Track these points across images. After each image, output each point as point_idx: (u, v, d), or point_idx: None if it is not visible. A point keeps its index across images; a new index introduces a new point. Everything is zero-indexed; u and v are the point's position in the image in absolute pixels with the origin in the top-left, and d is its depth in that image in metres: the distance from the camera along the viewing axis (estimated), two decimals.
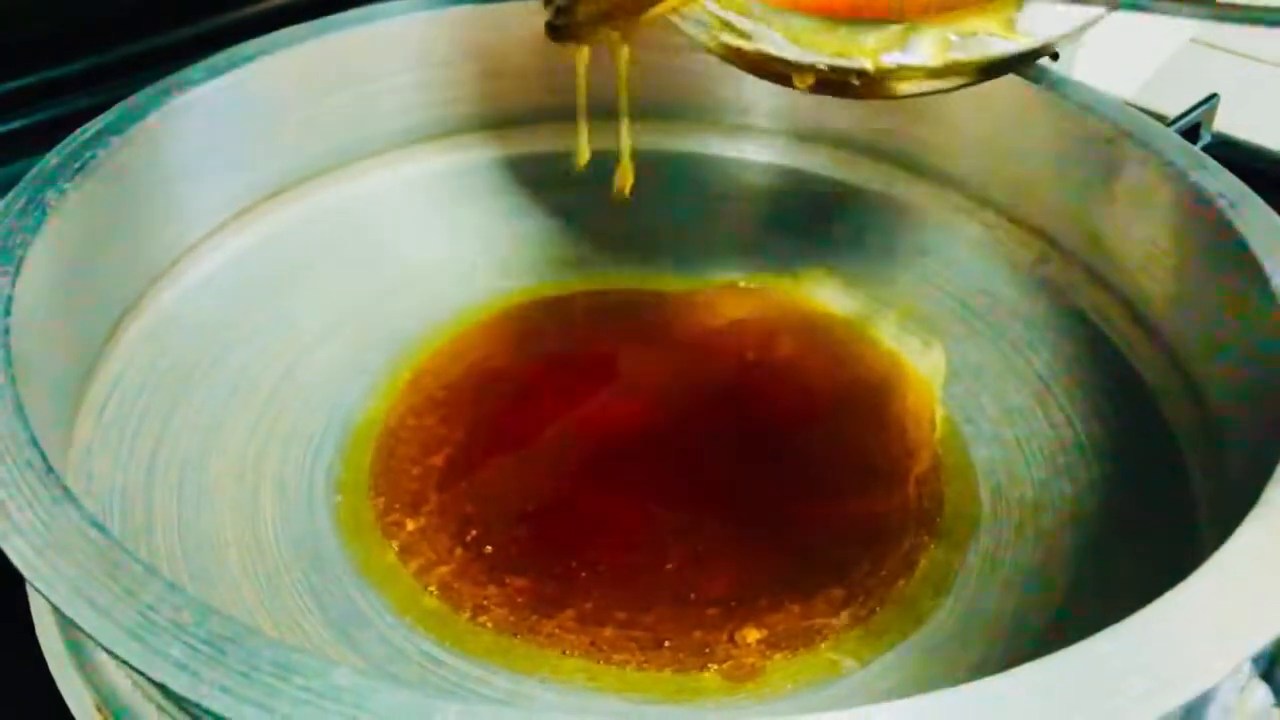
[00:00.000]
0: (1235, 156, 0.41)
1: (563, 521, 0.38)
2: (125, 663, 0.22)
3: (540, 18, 0.46)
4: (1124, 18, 0.62)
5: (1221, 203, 0.36)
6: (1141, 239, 0.40)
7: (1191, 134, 0.54)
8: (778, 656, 0.34)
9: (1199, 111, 0.57)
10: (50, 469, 0.26)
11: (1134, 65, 0.76)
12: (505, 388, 0.43)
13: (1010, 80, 0.43)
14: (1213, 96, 0.59)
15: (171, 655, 0.22)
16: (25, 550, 0.24)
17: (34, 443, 0.27)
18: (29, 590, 0.31)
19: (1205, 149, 0.44)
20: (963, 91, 0.45)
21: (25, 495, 0.26)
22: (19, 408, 0.28)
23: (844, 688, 0.34)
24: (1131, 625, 0.24)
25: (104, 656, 0.29)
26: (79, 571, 0.24)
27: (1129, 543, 0.36)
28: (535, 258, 0.47)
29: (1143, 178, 0.39)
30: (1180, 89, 0.62)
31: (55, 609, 0.24)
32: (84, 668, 0.29)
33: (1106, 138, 0.41)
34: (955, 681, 0.31)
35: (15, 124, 0.53)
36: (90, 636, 0.23)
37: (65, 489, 0.26)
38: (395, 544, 0.37)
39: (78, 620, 0.23)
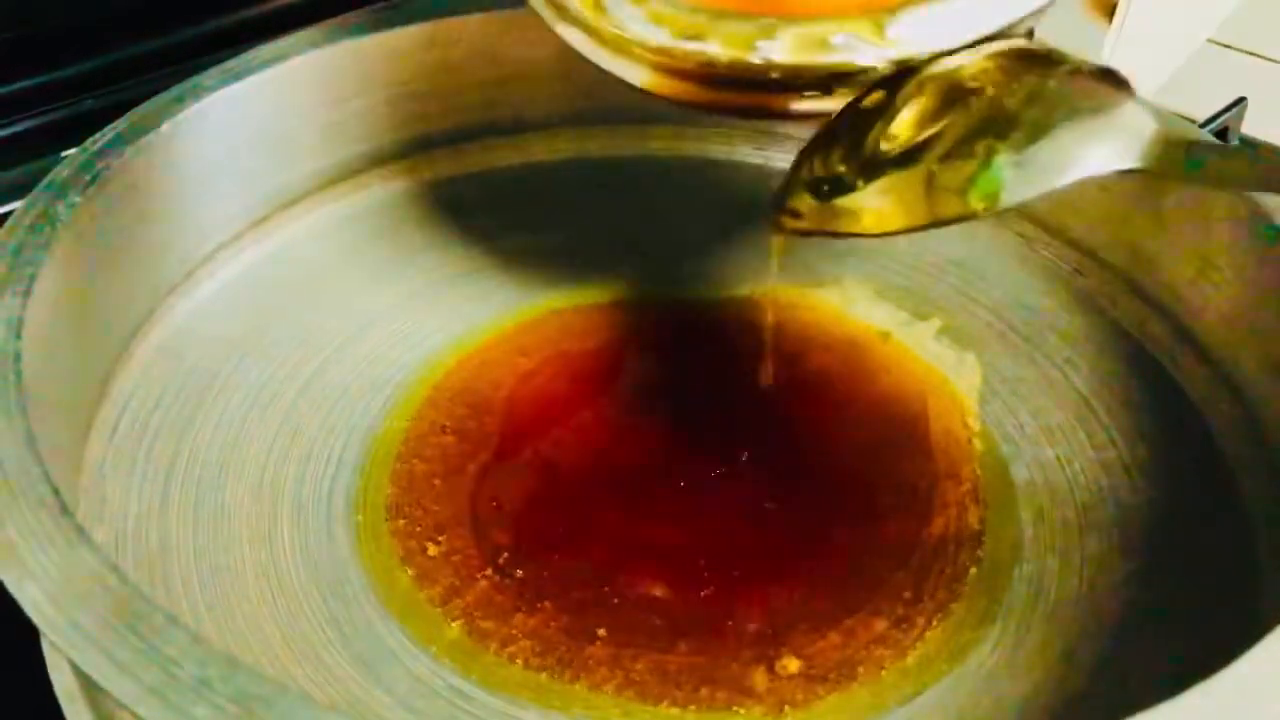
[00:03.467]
0: None
1: (592, 546, 0.37)
2: None
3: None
4: (1140, 18, 0.61)
5: None
6: (1189, 252, 0.39)
7: (1220, 138, 0.53)
8: (819, 690, 0.33)
9: (1227, 116, 0.56)
10: (65, 509, 0.25)
11: (1152, 67, 0.75)
12: (527, 404, 0.42)
13: None
14: (1241, 100, 0.58)
15: (197, 717, 0.21)
16: (40, 599, 0.23)
17: (47, 478, 0.26)
18: (42, 639, 0.29)
19: None
20: None
21: (39, 537, 0.24)
22: (31, 440, 0.27)
23: None
24: None
25: None
26: (97, 623, 0.22)
27: (1182, 568, 0.35)
28: (557, 269, 0.46)
29: (1192, 189, 0.38)
30: (1200, 91, 0.60)
31: (72, 663, 0.23)
32: (99, 712, 0.28)
33: None
34: (1005, 717, 0.30)
35: (23, 125, 0.52)
36: (110, 695, 0.21)
37: (81, 530, 0.25)
38: (417, 570, 0.36)
39: (96, 678, 0.21)
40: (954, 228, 0.45)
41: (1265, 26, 0.76)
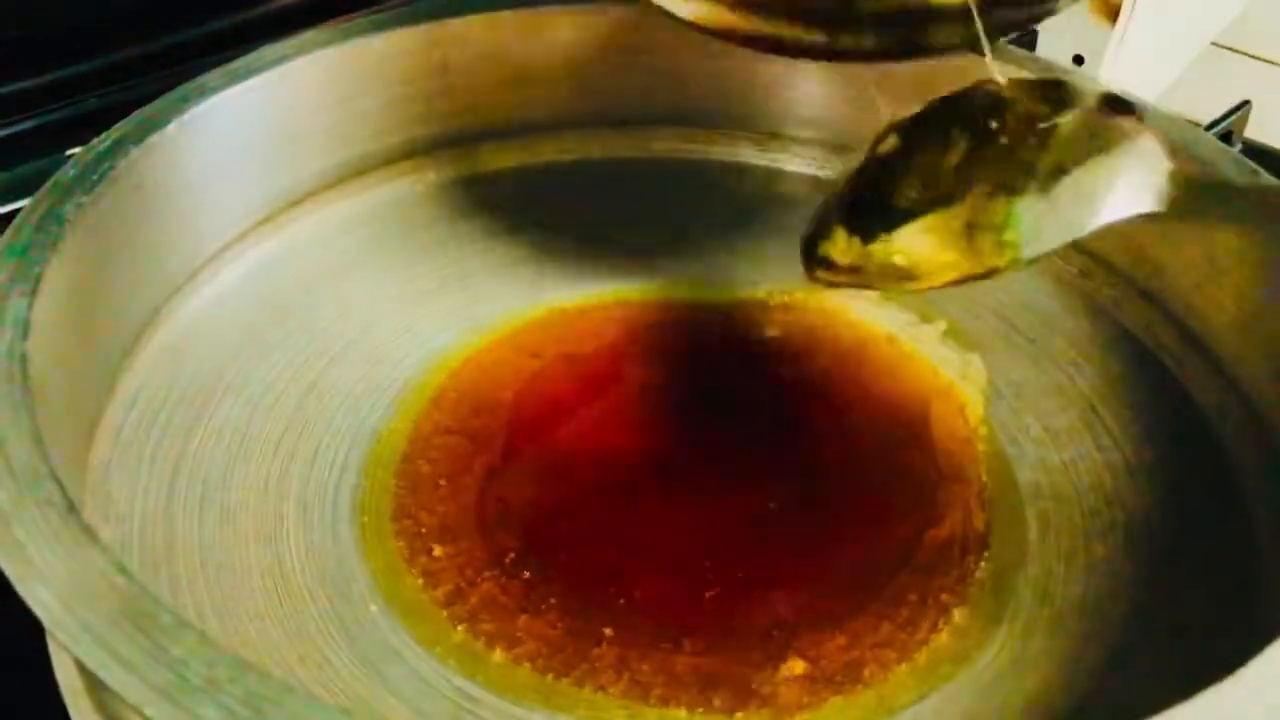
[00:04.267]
0: (1266, 164, 0.39)
1: (597, 547, 0.37)
2: None
3: (565, 26, 0.45)
4: (1143, 21, 0.61)
5: None
6: (1196, 256, 0.39)
7: (1224, 141, 0.53)
8: (824, 692, 0.33)
9: (1231, 119, 0.56)
10: (72, 507, 0.25)
11: (1156, 71, 0.75)
12: (533, 404, 0.42)
13: None
14: (1245, 103, 0.58)
15: (205, 717, 0.21)
16: (47, 598, 0.23)
17: (53, 477, 0.26)
18: (48, 637, 0.29)
19: None
20: None
21: (46, 536, 0.24)
22: (37, 440, 0.27)
23: None
24: None
25: None
26: (105, 623, 0.22)
27: (1187, 572, 0.35)
28: (565, 269, 0.46)
29: (1196, 192, 0.38)
30: (1203, 94, 0.60)
31: (79, 662, 0.23)
32: (105, 710, 0.28)
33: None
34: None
35: (26, 125, 0.52)
36: (117, 695, 0.21)
37: (88, 529, 0.24)
38: (423, 571, 0.36)
39: (105, 678, 0.21)
40: None
41: (1270, 30, 0.76)
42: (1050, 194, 0.30)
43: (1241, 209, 0.30)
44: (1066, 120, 0.31)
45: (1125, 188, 0.30)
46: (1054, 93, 0.33)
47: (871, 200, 0.33)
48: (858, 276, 0.33)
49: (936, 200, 0.32)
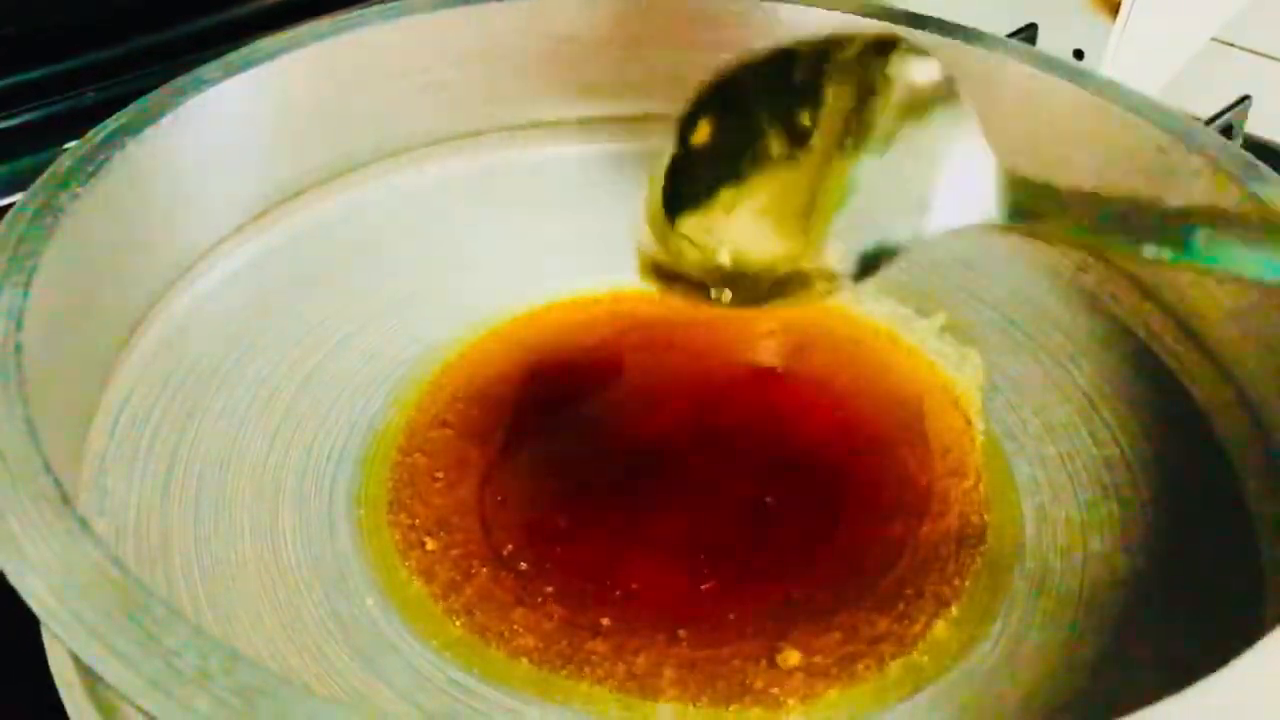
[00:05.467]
0: (1266, 159, 0.39)
1: (593, 539, 0.37)
2: (149, 715, 0.21)
3: (563, 18, 0.45)
4: (1144, 16, 0.60)
5: None
6: None
7: (1224, 136, 0.53)
8: (820, 685, 0.33)
9: (1231, 113, 0.56)
10: (66, 499, 0.25)
11: (1155, 65, 0.75)
12: (529, 397, 0.42)
13: (1056, 83, 0.42)
14: (1245, 98, 0.57)
15: (198, 708, 0.21)
16: (42, 590, 0.23)
17: (48, 469, 0.26)
18: (43, 629, 0.29)
19: None
20: (1002, 93, 0.44)
21: (40, 528, 0.24)
22: (32, 431, 0.27)
23: None
24: None
25: None
26: (99, 614, 0.22)
27: (1184, 567, 0.35)
28: (562, 263, 0.46)
29: (1197, 188, 0.38)
30: (1204, 89, 0.60)
31: (73, 654, 0.23)
32: (99, 701, 0.28)
33: (1158, 145, 0.39)
34: (1006, 714, 0.30)
35: (24, 118, 0.52)
36: (111, 687, 0.21)
37: (82, 522, 0.24)
38: (418, 563, 0.36)
39: (98, 669, 0.21)
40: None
41: (1269, 25, 0.75)
42: (876, 175, 0.29)
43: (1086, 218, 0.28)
44: (887, 99, 0.29)
45: (952, 193, 0.29)
46: (871, 58, 0.30)
47: (682, 190, 0.32)
48: (686, 269, 0.32)
49: (744, 181, 0.30)
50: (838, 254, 0.28)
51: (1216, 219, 0.26)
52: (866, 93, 0.29)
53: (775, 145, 0.30)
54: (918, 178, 0.28)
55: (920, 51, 0.29)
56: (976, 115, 0.28)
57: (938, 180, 0.28)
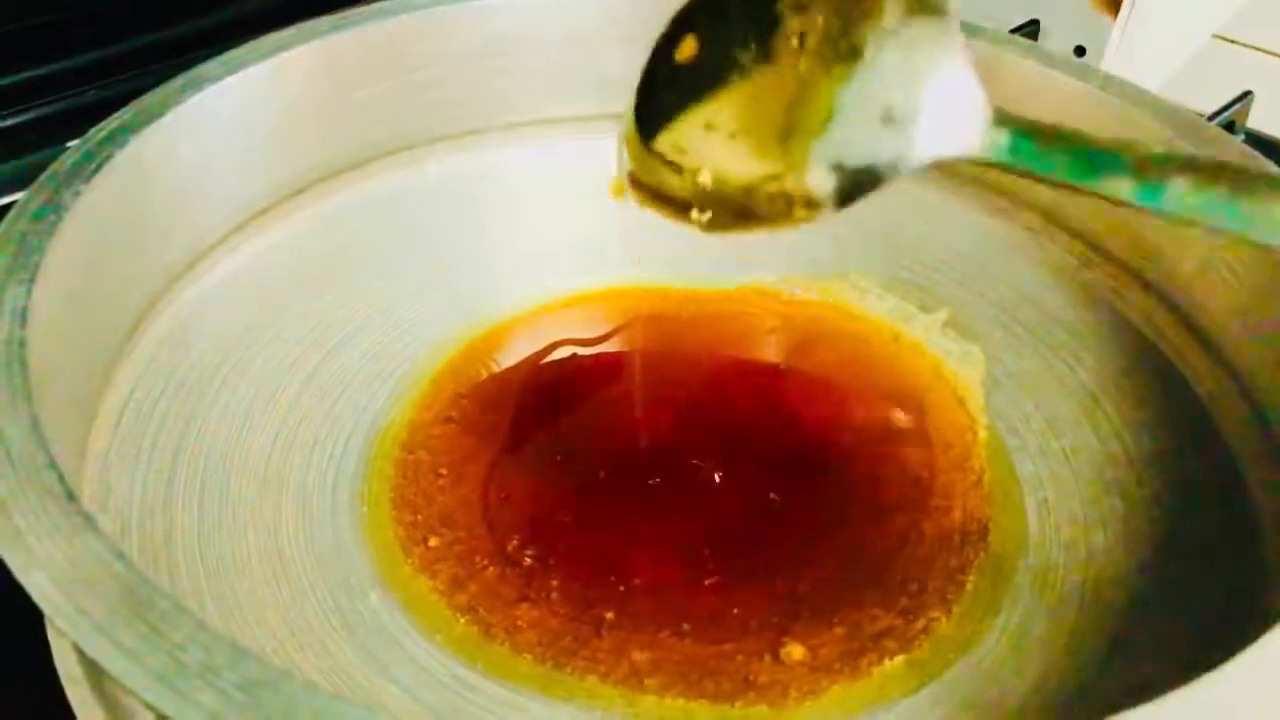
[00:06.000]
0: (1268, 154, 0.39)
1: (596, 535, 0.37)
2: (154, 709, 0.21)
3: (563, 15, 0.45)
4: (1145, 13, 0.60)
5: None
6: (1195, 245, 0.39)
7: (1227, 132, 0.53)
8: (824, 680, 0.33)
9: (1233, 109, 0.56)
10: (71, 495, 0.25)
11: (1157, 61, 0.75)
12: (532, 394, 0.42)
13: (1056, 77, 0.42)
14: (1247, 94, 0.57)
15: (203, 703, 0.21)
16: (47, 586, 0.23)
17: (52, 465, 0.26)
18: (48, 624, 0.29)
19: None
20: (1002, 88, 0.44)
21: (45, 524, 0.24)
22: (36, 428, 0.27)
23: (894, 715, 0.32)
24: None
25: None
26: (103, 609, 0.22)
27: (1188, 562, 0.35)
28: (564, 260, 0.46)
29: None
30: (1206, 86, 0.60)
31: (78, 649, 0.22)
32: (104, 696, 0.28)
33: (1160, 141, 0.39)
34: (1010, 708, 0.30)
35: (25, 116, 0.52)
36: (116, 680, 0.21)
37: (87, 517, 0.24)
38: (422, 560, 0.36)
39: (103, 663, 0.21)
40: (960, 221, 0.45)
41: (1271, 22, 0.75)
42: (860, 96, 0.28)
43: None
44: (876, 21, 0.29)
45: (936, 122, 0.27)
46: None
47: (656, 107, 0.32)
48: (667, 187, 0.31)
49: (722, 98, 0.30)
50: (819, 177, 0.28)
51: (1200, 167, 0.25)
52: (854, 12, 0.29)
53: (754, 63, 0.30)
54: (902, 104, 0.27)
55: None
56: (968, 48, 0.28)
57: (922, 108, 0.27)
